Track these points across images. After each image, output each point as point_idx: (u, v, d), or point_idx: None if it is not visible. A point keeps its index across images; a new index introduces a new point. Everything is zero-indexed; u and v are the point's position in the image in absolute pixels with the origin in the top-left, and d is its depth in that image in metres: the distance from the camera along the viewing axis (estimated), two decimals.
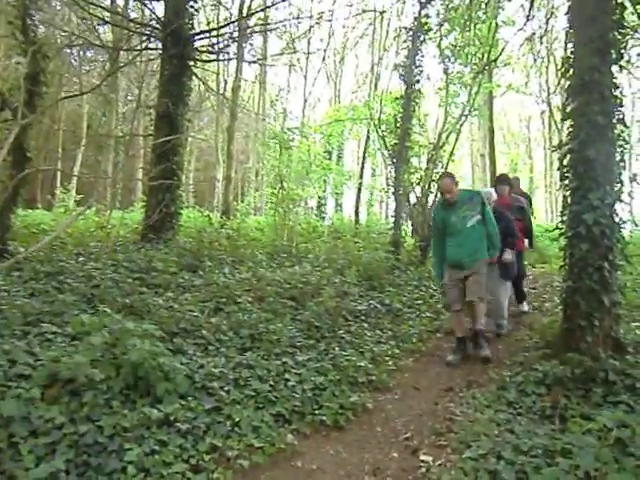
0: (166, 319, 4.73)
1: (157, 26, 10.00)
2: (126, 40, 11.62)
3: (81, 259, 6.65)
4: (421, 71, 10.53)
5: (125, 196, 21.49)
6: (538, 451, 3.01)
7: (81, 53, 20.44)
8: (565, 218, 4.74)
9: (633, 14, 5.42)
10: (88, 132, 23.82)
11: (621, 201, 4.51)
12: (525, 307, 7.46)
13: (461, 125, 11.97)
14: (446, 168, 10.77)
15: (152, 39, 10.42)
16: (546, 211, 34.71)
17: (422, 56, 10.54)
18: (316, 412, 3.84)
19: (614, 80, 4.51)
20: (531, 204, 8.66)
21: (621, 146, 4.52)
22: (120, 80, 20.74)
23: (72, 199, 17.50)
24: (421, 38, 10.44)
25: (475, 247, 5.37)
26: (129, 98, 26.13)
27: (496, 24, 11.41)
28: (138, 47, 11.08)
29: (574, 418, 3.28)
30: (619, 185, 4.48)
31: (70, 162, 22.69)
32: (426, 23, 10.51)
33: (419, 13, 10.37)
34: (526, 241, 7.01)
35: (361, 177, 19.82)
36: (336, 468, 3.26)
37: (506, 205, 6.58)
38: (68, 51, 18.17)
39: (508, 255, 6.10)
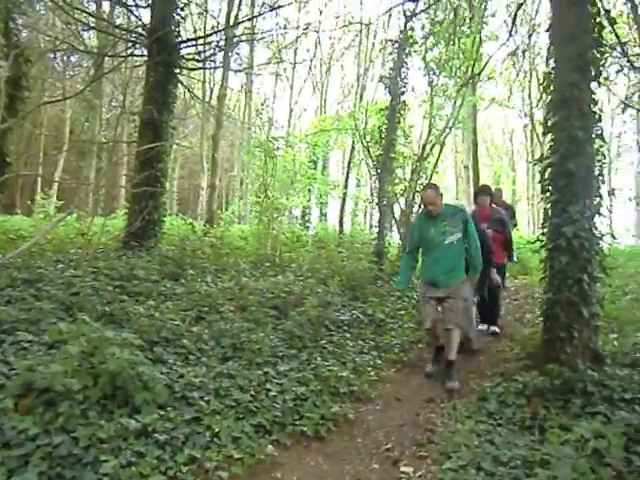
0: (146, 328, 4.67)
1: (143, 33, 9.95)
2: (111, 46, 11.56)
3: (60, 266, 6.54)
4: (406, 83, 10.62)
5: (107, 203, 21.26)
6: (517, 462, 3.03)
7: (65, 58, 20.36)
8: (546, 230, 4.81)
9: (611, 33, 5.53)
10: (70, 137, 23.61)
11: (600, 214, 4.58)
12: (497, 329, 6.90)
13: (445, 137, 12.10)
14: (430, 179, 10.88)
15: (137, 46, 10.37)
16: (528, 223, 35.09)
17: (407, 68, 10.64)
18: (297, 423, 3.82)
19: (593, 96, 4.61)
20: (514, 216, 8.66)
21: (600, 161, 4.61)
22: (104, 86, 20.60)
23: (52, 205, 17.27)
24: (406, 51, 10.55)
25: (452, 265, 5.08)
26: (113, 104, 25.95)
27: (480, 39, 11.57)
28: (123, 53, 11.03)
29: (553, 429, 3.30)
30: (598, 199, 4.56)
31: (51, 167, 22.44)
32: (411, 36, 10.64)
33: (404, 26, 10.48)
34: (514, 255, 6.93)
35: (346, 187, 19.91)
36: (317, 478, 3.25)
37: (485, 217, 6.51)
38: (52, 56, 18.08)
39: (495, 276, 6.24)
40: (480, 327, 6.81)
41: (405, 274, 5.59)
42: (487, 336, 6.80)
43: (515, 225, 8.74)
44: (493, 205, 7.06)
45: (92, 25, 11.94)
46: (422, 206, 6.99)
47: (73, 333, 3.78)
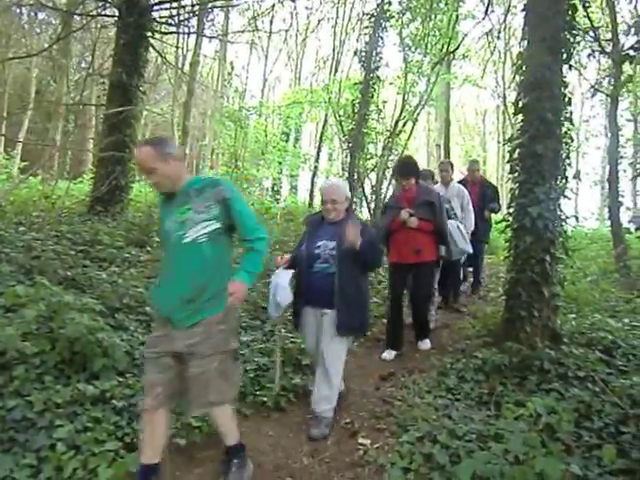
0: (109, 294, 4.62)
1: None
2: (80, 3, 11.11)
3: (22, 229, 6.37)
4: (381, 58, 10.55)
5: (73, 166, 20.76)
6: (472, 436, 3.10)
7: (32, 14, 19.54)
8: (512, 210, 4.87)
9: (585, 17, 5.55)
10: (36, 97, 22.78)
11: (565, 197, 4.66)
12: (428, 345, 5.44)
13: (418, 114, 12.09)
14: (402, 155, 10.88)
15: (108, 5, 10.01)
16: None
17: (383, 43, 10.56)
18: (257, 393, 3.85)
19: (564, 79, 4.64)
20: (497, 196, 7.91)
21: (567, 144, 4.66)
22: (73, 46, 19.88)
23: (16, 166, 16.75)
24: (382, 25, 10.45)
25: (197, 285, 2.63)
26: (82, 65, 25.10)
27: (456, 16, 11.52)
28: (93, 12, 10.62)
29: (508, 404, 3.38)
30: (564, 181, 4.63)
31: (15, 127, 21.63)
32: (388, 10, 10.52)
33: (381, 0, 10.34)
34: (442, 248, 5.45)
35: (317, 161, 19.78)
36: (275, 450, 3.27)
37: (408, 200, 5.17)
38: (17, 10, 17.32)
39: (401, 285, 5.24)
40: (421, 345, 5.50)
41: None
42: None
43: (497, 209, 7.89)
44: (421, 183, 5.39)
45: None
46: None
47: (31, 297, 3.71)
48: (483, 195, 7.70)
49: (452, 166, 7.31)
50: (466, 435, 3.12)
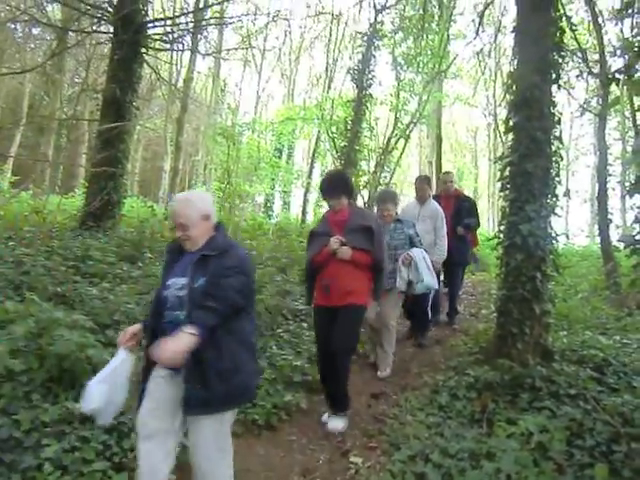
0: (99, 310, 4.56)
1: (109, 9, 9.67)
2: (75, 20, 11.18)
3: (11, 243, 6.31)
4: (373, 76, 10.67)
5: (65, 181, 20.69)
6: (464, 454, 3.09)
7: (26, 30, 19.62)
8: (503, 228, 4.90)
9: (572, 38, 5.66)
10: (29, 112, 22.80)
11: (555, 214, 4.71)
12: (340, 426, 3.92)
13: (410, 132, 12.21)
14: (393, 173, 10.97)
15: (103, 22, 10.07)
16: (488, 220, 35.78)
17: (375, 62, 10.69)
18: (249, 411, 3.80)
19: (553, 99, 4.71)
20: (475, 211, 7.21)
21: (557, 162, 4.72)
22: (67, 61, 19.95)
23: (7, 180, 16.71)
24: (375, 44, 10.59)
25: None
26: (76, 80, 25.16)
27: (448, 36, 11.69)
28: (88, 29, 10.69)
29: (500, 422, 3.38)
30: (554, 199, 4.68)
31: (7, 142, 21.61)
32: (381, 29, 10.69)
33: (375, 19, 10.52)
34: (400, 282, 5.02)
35: (310, 177, 19.86)
36: (266, 468, 3.25)
37: (339, 225, 4.06)
38: (12, 26, 17.40)
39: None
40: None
41: None
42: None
43: (477, 225, 7.22)
44: (354, 204, 4.49)
45: None
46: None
47: (21, 313, 3.67)
48: (458, 210, 6.93)
49: (429, 182, 6.81)
50: (458, 454, 3.10)
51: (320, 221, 4.43)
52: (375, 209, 5.56)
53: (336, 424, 3.86)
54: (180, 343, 2.23)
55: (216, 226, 2.66)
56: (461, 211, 6.94)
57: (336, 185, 4.10)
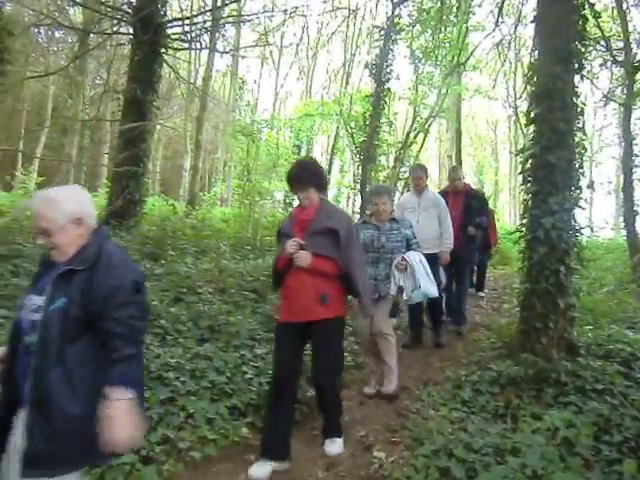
0: None
1: (129, 11, 9.79)
2: (96, 23, 11.34)
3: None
4: (391, 70, 10.62)
5: (89, 181, 21.00)
6: (489, 449, 3.06)
7: (49, 33, 19.93)
8: (525, 221, 4.84)
9: (596, 27, 5.55)
10: (53, 114, 23.19)
11: (579, 207, 4.64)
12: (338, 449, 3.53)
13: (429, 126, 12.14)
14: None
15: (123, 23, 10.21)
16: (509, 213, 35.41)
17: (393, 56, 10.63)
18: None
19: (576, 89, 4.64)
20: (485, 207, 6.81)
21: (580, 153, 4.65)
22: (89, 63, 20.23)
23: (33, 181, 17.05)
24: (393, 38, 10.53)
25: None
26: (97, 82, 25.49)
27: (466, 28, 11.56)
28: (108, 31, 10.84)
29: (525, 417, 3.35)
30: (577, 191, 4.61)
31: (33, 143, 21.98)
32: (398, 23, 10.62)
33: (392, 13, 10.45)
34: (393, 287, 4.45)
35: (329, 173, 19.85)
36: (290, 463, 3.26)
37: (300, 225, 3.42)
38: (35, 30, 17.68)
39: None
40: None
41: None
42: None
43: (485, 224, 6.72)
44: (326, 200, 3.62)
45: (77, 1, 11.69)
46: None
47: None
48: (467, 208, 6.39)
49: (426, 171, 6.24)
50: (482, 449, 3.08)
51: (287, 218, 3.75)
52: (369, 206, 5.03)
53: (334, 449, 3.46)
54: (123, 419, 1.79)
55: (95, 231, 2.09)
56: (470, 209, 6.40)
57: (303, 174, 3.42)
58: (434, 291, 4.58)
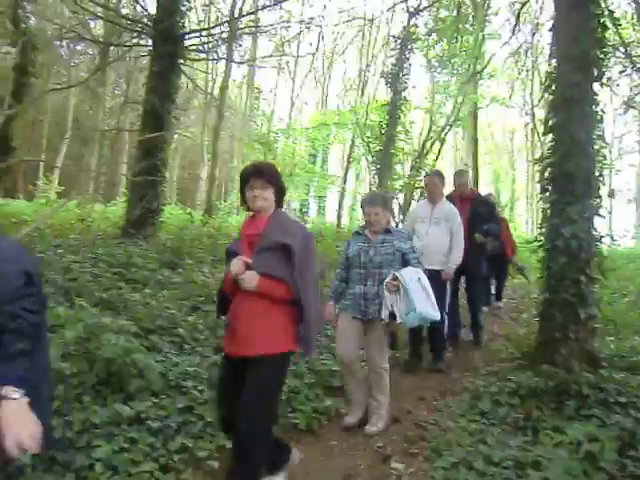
0: (143, 315, 4.69)
1: (148, 23, 9.95)
2: (117, 36, 11.56)
3: (60, 251, 6.59)
4: (408, 79, 10.63)
5: (108, 190, 21.30)
6: (509, 462, 3.02)
7: (71, 46, 20.34)
8: (544, 230, 4.79)
9: (615, 33, 5.50)
10: (74, 125, 23.60)
11: (599, 215, 4.57)
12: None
13: (445, 134, 12.09)
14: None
15: (143, 36, 10.38)
16: (527, 222, 35.09)
17: (409, 65, 10.65)
18: (289, 415, 3.81)
19: (595, 97, 4.59)
20: (493, 215, 6.40)
21: (600, 162, 4.59)
22: (109, 75, 20.60)
23: (54, 190, 17.34)
24: (409, 47, 10.56)
25: None
26: (117, 93, 25.89)
27: (483, 37, 11.54)
28: (128, 43, 11.03)
29: (546, 430, 3.29)
30: (597, 200, 4.55)
31: (54, 153, 22.38)
32: (414, 33, 10.65)
33: (408, 22, 10.49)
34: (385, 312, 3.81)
35: (345, 182, 19.88)
36: (307, 474, 3.24)
37: (250, 239, 2.82)
38: (58, 43, 18.07)
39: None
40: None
41: None
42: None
43: (494, 231, 6.28)
44: (283, 212, 3.04)
45: (99, 14, 11.93)
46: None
47: (70, 318, 3.80)
48: (474, 215, 6.03)
49: (443, 178, 5.73)
50: (503, 462, 3.03)
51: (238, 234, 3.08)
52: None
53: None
54: (13, 420, 1.62)
55: None
56: (477, 216, 6.05)
57: (265, 169, 2.83)
58: (435, 314, 3.85)
